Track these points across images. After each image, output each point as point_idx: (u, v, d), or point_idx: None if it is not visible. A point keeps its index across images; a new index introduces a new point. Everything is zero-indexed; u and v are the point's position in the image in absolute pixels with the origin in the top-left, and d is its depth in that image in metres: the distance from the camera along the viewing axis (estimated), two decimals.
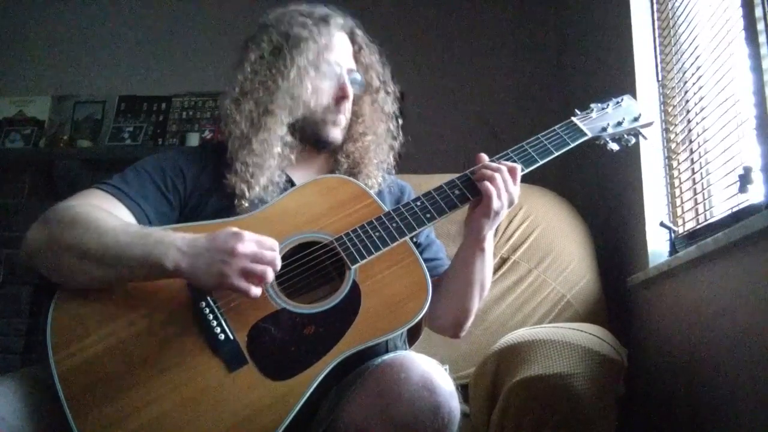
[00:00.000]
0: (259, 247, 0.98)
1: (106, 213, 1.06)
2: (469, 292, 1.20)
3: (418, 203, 1.13)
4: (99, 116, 3.05)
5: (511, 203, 1.13)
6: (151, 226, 1.09)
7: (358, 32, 1.32)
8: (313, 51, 1.21)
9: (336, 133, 1.26)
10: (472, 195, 1.13)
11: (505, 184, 1.11)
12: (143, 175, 1.17)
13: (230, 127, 1.22)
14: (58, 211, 1.06)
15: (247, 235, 0.98)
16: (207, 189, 1.20)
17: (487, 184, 1.10)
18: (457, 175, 1.16)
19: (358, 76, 1.28)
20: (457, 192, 1.14)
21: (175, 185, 1.18)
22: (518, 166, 1.14)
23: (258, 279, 0.97)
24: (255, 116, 1.20)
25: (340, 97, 1.24)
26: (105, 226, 1.02)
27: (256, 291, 0.97)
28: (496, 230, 1.90)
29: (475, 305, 1.22)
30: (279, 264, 0.99)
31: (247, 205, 1.16)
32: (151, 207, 1.14)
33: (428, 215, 1.12)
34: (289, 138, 1.22)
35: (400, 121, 1.36)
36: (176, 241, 0.99)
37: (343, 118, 1.26)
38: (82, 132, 3.01)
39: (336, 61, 1.25)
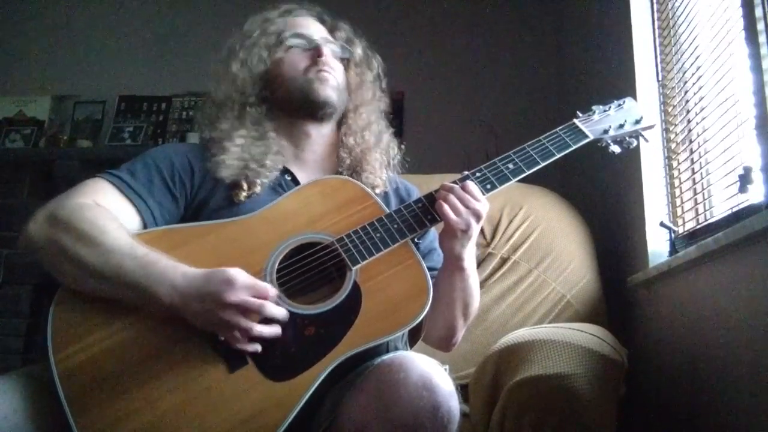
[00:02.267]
0: (250, 295, 0.96)
1: (116, 224, 1.05)
2: (452, 311, 1.19)
3: (419, 204, 1.13)
4: (99, 116, 3.05)
5: (477, 219, 1.10)
6: (160, 230, 1.11)
7: (327, 17, 1.37)
8: (275, 34, 1.29)
9: (327, 91, 1.25)
10: None
11: (460, 202, 1.09)
12: (152, 169, 1.17)
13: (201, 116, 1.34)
14: (65, 211, 1.05)
15: (240, 282, 0.96)
16: (213, 184, 1.20)
17: (441, 204, 1.10)
18: (458, 175, 1.16)
19: (335, 43, 1.32)
20: None
21: (183, 181, 1.19)
22: (470, 184, 1.11)
23: (243, 332, 0.96)
24: (226, 106, 1.28)
25: (315, 56, 1.26)
26: (111, 243, 1.01)
27: (247, 346, 0.97)
28: (496, 230, 1.90)
29: (460, 323, 1.22)
30: (270, 311, 0.98)
31: (245, 194, 1.17)
32: (156, 203, 1.14)
33: (429, 217, 1.12)
34: (270, 117, 1.27)
35: (384, 83, 1.39)
36: (175, 279, 0.98)
37: (328, 75, 1.26)
38: (82, 132, 3.01)
39: (302, 33, 1.30)
